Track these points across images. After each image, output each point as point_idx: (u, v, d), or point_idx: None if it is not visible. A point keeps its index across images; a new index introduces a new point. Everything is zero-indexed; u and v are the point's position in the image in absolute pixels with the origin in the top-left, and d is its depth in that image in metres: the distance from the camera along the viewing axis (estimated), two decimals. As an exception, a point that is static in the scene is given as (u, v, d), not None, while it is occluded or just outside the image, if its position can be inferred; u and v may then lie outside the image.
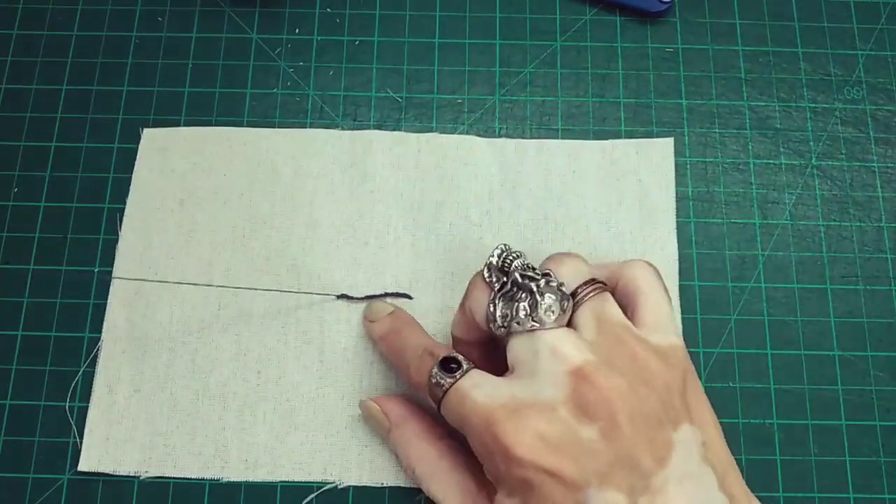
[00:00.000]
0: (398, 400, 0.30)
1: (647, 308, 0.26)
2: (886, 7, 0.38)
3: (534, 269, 0.26)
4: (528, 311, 0.25)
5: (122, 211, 0.34)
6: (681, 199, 0.35)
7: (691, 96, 0.37)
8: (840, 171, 0.36)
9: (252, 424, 0.31)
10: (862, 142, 0.36)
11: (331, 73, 0.37)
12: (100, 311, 0.33)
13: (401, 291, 0.33)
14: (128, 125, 0.36)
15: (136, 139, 0.36)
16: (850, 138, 0.36)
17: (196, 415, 0.31)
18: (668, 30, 0.38)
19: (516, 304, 0.25)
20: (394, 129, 0.36)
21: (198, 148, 0.35)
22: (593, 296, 0.26)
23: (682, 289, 0.34)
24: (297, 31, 0.38)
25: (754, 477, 0.31)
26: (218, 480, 0.31)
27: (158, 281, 0.33)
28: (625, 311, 0.26)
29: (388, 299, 0.33)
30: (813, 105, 0.37)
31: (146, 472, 0.31)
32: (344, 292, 0.33)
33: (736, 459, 0.25)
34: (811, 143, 0.36)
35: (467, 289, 0.28)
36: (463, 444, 0.27)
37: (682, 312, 0.33)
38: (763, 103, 0.37)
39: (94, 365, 0.32)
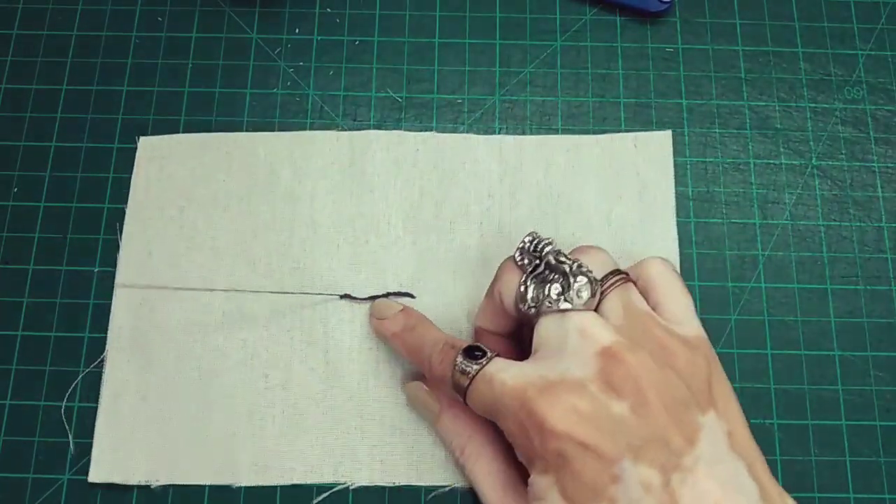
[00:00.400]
0: None
1: (668, 301, 0.27)
2: (886, 7, 0.38)
3: (565, 254, 0.27)
4: (561, 291, 0.26)
5: (122, 215, 0.34)
6: (681, 198, 0.35)
7: (691, 96, 0.37)
8: (840, 171, 0.36)
9: (261, 428, 0.31)
10: (862, 142, 0.36)
11: (331, 73, 0.37)
12: (100, 310, 0.33)
13: (403, 291, 0.33)
14: (128, 125, 0.36)
15: (136, 139, 0.36)
16: (850, 138, 0.36)
17: (204, 421, 0.31)
18: (668, 30, 0.38)
19: (548, 285, 0.26)
20: (393, 129, 0.36)
21: (195, 154, 0.35)
22: (619, 285, 0.27)
23: (682, 289, 0.34)
24: (297, 31, 0.38)
25: (754, 477, 0.31)
26: (229, 486, 0.31)
27: (161, 287, 0.33)
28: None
29: (392, 298, 0.33)
30: (813, 105, 0.37)
31: (157, 480, 0.31)
32: (347, 293, 0.33)
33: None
34: (811, 143, 0.36)
35: (497, 273, 0.28)
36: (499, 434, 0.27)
37: (682, 312, 0.33)
38: (763, 103, 0.37)
39: (96, 367, 0.32)
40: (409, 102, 0.37)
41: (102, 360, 0.32)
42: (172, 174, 0.35)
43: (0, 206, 0.35)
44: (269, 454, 0.31)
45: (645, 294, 0.28)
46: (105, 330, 0.33)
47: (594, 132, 0.36)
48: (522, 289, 0.27)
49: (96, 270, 0.34)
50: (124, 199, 0.35)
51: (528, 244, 0.28)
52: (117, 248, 0.34)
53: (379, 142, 0.35)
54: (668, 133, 0.36)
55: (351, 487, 0.31)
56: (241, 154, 0.35)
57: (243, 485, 0.31)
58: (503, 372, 0.25)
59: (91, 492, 0.31)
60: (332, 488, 0.31)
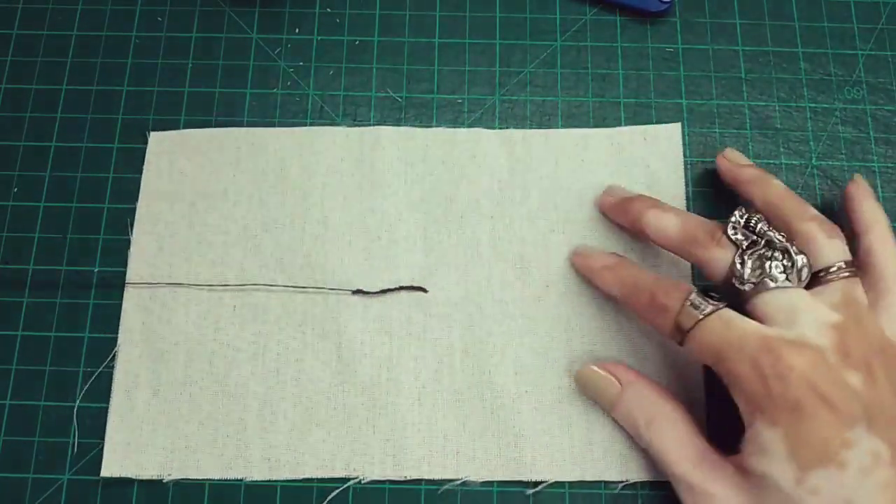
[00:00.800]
0: (622, 364, 0.30)
1: (890, 307, 0.27)
2: (886, 7, 0.38)
3: (778, 230, 0.27)
4: (783, 269, 0.26)
5: (125, 211, 0.34)
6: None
7: (691, 96, 0.37)
8: (840, 171, 0.36)
9: (273, 423, 0.31)
10: (862, 142, 0.36)
11: (331, 73, 0.37)
12: (100, 310, 0.33)
13: (415, 285, 0.33)
14: (128, 125, 0.36)
15: (137, 139, 0.36)
16: (850, 138, 0.36)
17: (216, 416, 0.31)
18: (668, 30, 0.38)
19: (770, 262, 0.26)
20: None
21: (205, 150, 0.35)
22: (847, 277, 0.27)
23: (682, 289, 0.33)
24: (297, 31, 0.38)
25: (754, 477, 0.31)
26: (241, 480, 0.31)
27: (173, 284, 0.33)
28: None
29: (405, 293, 0.33)
30: (813, 105, 0.37)
31: (169, 475, 0.31)
32: (359, 288, 0.33)
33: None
34: (811, 143, 0.36)
35: (700, 240, 0.28)
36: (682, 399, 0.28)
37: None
38: (763, 103, 0.37)
39: (100, 366, 0.32)
40: (409, 102, 0.37)
41: (114, 355, 0.32)
42: (183, 169, 0.35)
43: (0, 206, 0.35)
44: (281, 448, 0.31)
45: (867, 286, 0.27)
46: (105, 329, 0.33)
47: (594, 132, 0.36)
48: (738, 264, 0.27)
49: (96, 270, 0.34)
50: (124, 199, 0.35)
51: (739, 219, 0.28)
52: (117, 247, 0.34)
53: (389, 137, 0.35)
54: (678, 126, 0.36)
55: (363, 481, 0.31)
56: (251, 149, 0.35)
57: (255, 479, 0.31)
58: (741, 320, 0.26)
59: (91, 492, 0.31)
60: (343, 482, 0.31)
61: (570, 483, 0.31)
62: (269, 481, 0.31)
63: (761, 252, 0.27)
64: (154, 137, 0.35)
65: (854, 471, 0.23)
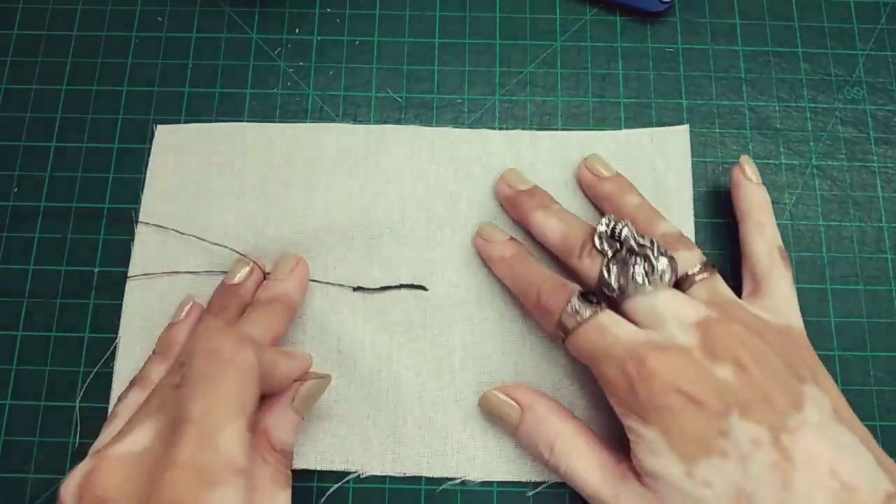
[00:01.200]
0: (522, 386, 0.31)
1: (770, 292, 0.28)
2: (886, 7, 0.38)
3: (642, 235, 0.28)
4: (645, 273, 0.27)
5: (125, 211, 0.34)
6: (681, 199, 0.35)
7: (691, 96, 0.37)
8: (840, 171, 0.36)
9: None
10: (862, 142, 0.36)
11: (331, 73, 0.37)
12: (100, 310, 0.33)
13: (416, 283, 0.33)
14: (128, 125, 0.36)
15: (136, 139, 0.36)
16: (850, 138, 0.36)
17: None
18: (668, 30, 0.38)
19: (632, 267, 0.27)
20: (394, 129, 0.36)
21: (211, 143, 0.35)
22: (707, 277, 0.28)
23: (682, 289, 0.34)
24: (297, 31, 0.38)
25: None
26: None
27: (172, 273, 0.33)
28: (749, 290, 0.29)
29: (405, 291, 0.33)
30: (813, 105, 0.37)
31: None
32: (360, 285, 0.33)
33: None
34: (811, 143, 0.36)
35: (576, 250, 0.29)
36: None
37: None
38: (763, 103, 0.37)
39: (107, 365, 0.32)
40: (409, 102, 0.37)
41: (114, 349, 0.32)
42: (188, 163, 0.35)
43: (0, 206, 0.35)
44: None
45: (750, 278, 0.29)
46: (105, 329, 0.33)
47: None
48: (605, 273, 0.28)
49: (96, 270, 0.34)
50: (124, 198, 0.35)
51: (606, 228, 0.29)
52: (118, 247, 0.34)
53: (395, 135, 0.35)
54: (686, 128, 0.36)
55: (362, 476, 0.31)
56: (256, 144, 0.35)
57: None
58: (616, 326, 0.26)
59: (91, 492, 0.31)
60: (342, 477, 0.31)
61: (570, 483, 0.31)
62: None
63: (624, 258, 0.28)
64: (160, 130, 0.36)
65: (736, 458, 0.23)
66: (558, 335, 0.28)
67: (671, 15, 0.38)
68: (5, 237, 0.34)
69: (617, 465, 0.27)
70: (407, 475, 0.31)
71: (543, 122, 0.36)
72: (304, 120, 0.36)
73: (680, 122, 0.36)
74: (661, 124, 0.36)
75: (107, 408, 0.32)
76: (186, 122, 0.36)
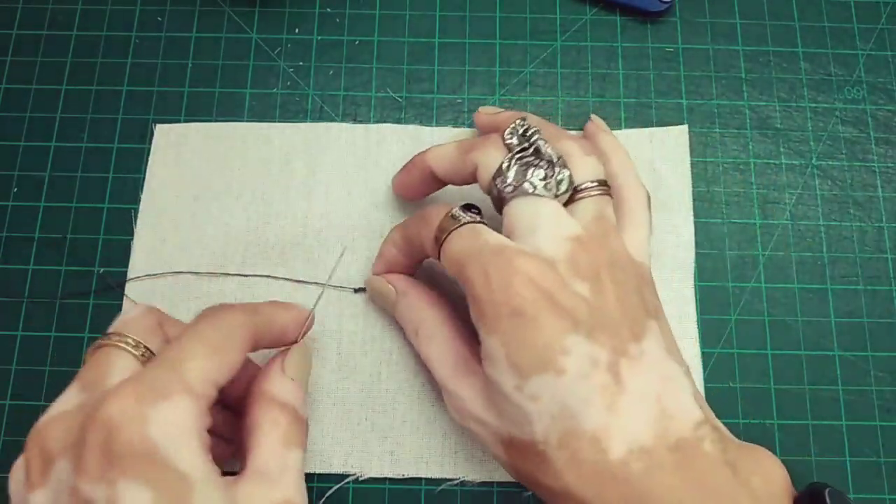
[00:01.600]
0: (402, 275, 0.31)
1: (633, 227, 0.29)
2: (886, 7, 0.38)
3: (552, 146, 0.28)
4: (544, 178, 0.27)
5: (125, 211, 0.34)
6: (681, 199, 0.35)
7: (691, 96, 0.37)
8: (840, 171, 0.36)
9: None
10: (862, 142, 0.36)
11: (331, 73, 0.37)
12: (100, 310, 0.33)
13: None
14: (128, 125, 0.36)
15: (136, 139, 0.36)
16: (851, 138, 0.36)
17: None
18: (668, 30, 0.38)
19: (532, 169, 0.27)
20: (394, 129, 0.36)
21: (211, 143, 0.35)
22: (600, 195, 0.27)
23: (682, 289, 0.33)
24: (297, 31, 0.38)
25: (754, 477, 0.31)
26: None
27: (172, 273, 0.33)
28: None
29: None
30: (813, 105, 0.37)
31: None
32: (361, 286, 0.33)
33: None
34: (811, 143, 0.36)
35: (478, 142, 0.29)
36: (457, 307, 0.29)
37: (683, 312, 0.33)
38: (763, 103, 0.37)
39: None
40: (409, 102, 0.36)
41: None
42: (188, 162, 0.35)
43: (0, 206, 0.35)
44: None
45: (619, 211, 0.29)
46: (105, 329, 0.33)
47: (594, 132, 0.36)
48: (505, 165, 0.27)
49: (96, 270, 0.34)
50: (125, 198, 0.35)
51: (519, 127, 0.28)
52: (117, 247, 0.34)
53: (395, 135, 0.35)
54: (685, 128, 0.36)
55: (361, 478, 0.31)
56: (256, 144, 0.35)
57: None
58: (488, 233, 0.26)
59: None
60: (341, 478, 0.31)
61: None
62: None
63: (529, 160, 0.27)
64: (160, 130, 0.36)
65: (572, 376, 0.24)
66: (435, 249, 0.28)
67: (671, 15, 0.38)
68: (5, 237, 0.34)
69: (469, 360, 0.28)
70: (406, 476, 0.31)
71: (543, 122, 0.36)
72: (304, 120, 0.36)
73: (680, 122, 0.36)
74: (661, 124, 0.36)
75: (107, 408, 0.32)
76: (186, 121, 0.36)
